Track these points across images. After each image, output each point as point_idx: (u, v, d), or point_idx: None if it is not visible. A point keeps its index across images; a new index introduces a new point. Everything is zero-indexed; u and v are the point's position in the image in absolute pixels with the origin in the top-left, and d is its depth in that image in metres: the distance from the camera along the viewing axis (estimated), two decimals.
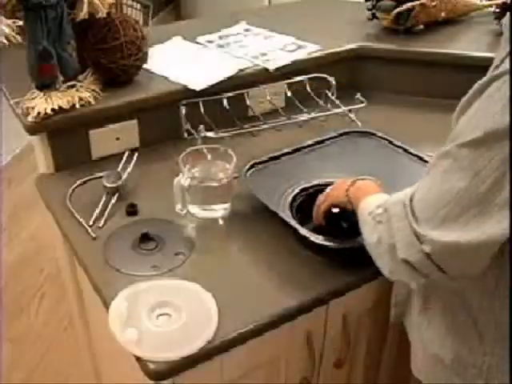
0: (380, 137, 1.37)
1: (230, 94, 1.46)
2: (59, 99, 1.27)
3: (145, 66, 1.43)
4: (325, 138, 1.37)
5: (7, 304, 2.29)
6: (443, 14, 1.75)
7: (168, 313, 0.96)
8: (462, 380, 0.92)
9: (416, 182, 0.83)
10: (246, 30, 1.76)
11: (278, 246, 1.12)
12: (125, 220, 1.19)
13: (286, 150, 1.32)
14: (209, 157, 1.32)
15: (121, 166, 1.30)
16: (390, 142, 1.35)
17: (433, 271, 0.78)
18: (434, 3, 1.70)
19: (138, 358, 0.91)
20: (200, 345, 0.91)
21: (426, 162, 1.26)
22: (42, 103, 1.26)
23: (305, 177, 1.25)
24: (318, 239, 1.06)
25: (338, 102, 1.53)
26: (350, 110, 1.51)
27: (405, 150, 1.33)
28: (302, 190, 1.23)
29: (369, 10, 1.76)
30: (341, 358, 1.18)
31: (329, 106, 1.55)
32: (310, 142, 1.35)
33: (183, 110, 1.42)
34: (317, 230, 1.12)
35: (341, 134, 1.39)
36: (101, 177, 1.28)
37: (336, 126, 1.49)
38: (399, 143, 1.34)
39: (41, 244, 2.59)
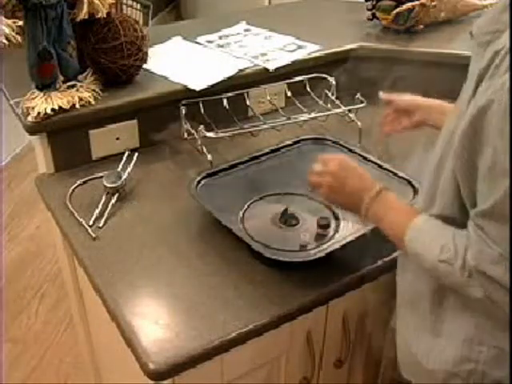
0: (335, 142, 1.38)
1: (229, 94, 1.45)
2: (59, 99, 1.27)
3: (145, 66, 1.43)
4: (280, 146, 1.37)
5: (7, 304, 2.29)
6: (443, 14, 1.75)
7: None
8: None
9: None
10: (246, 30, 1.76)
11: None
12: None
13: (244, 159, 1.31)
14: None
15: (121, 166, 1.30)
16: (345, 148, 1.36)
17: None
18: (433, 3, 1.70)
19: (138, 358, 0.92)
20: None
21: (380, 166, 1.28)
22: (42, 103, 1.26)
23: (262, 186, 1.24)
24: (268, 254, 1.04)
25: (337, 102, 1.53)
26: (349, 110, 1.51)
27: (359, 155, 1.33)
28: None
29: (369, 10, 1.76)
30: (341, 358, 1.18)
31: (329, 105, 1.55)
32: (266, 151, 1.35)
33: (183, 110, 1.42)
34: None
35: (296, 142, 1.39)
36: (101, 177, 1.28)
37: (336, 125, 1.50)
38: (353, 148, 1.35)
39: (41, 244, 2.59)
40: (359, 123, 1.47)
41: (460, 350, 0.90)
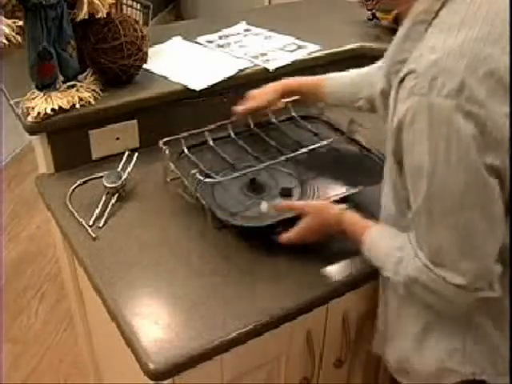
0: (325, 121, 1.44)
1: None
2: (59, 99, 1.27)
3: (145, 65, 1.43)
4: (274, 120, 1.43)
5: (7, 304, 2.29)
6: None
7: None
8: None
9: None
10: (246, 30, 1.76)
11: (279, 246, 1.12)
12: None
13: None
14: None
15: (121, 166, 1.30)
16: (333, 126, 1.43)
17: None
18: None
19: (138, 358, 0.92)
20: None
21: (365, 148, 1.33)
22: (42, 103, 1.26)
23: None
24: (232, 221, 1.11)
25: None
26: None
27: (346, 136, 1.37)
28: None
29: (369, 10, 1.76)
30: (341, 358, 1.18)
31: None
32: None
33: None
34: None
35: (288, 118, 1.45)
36: (101, 177, 1.28)
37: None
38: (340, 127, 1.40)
39: (41, 244, 2.59)
40: (359, 122, 1.47)
41: (452, 344, 0.93)
